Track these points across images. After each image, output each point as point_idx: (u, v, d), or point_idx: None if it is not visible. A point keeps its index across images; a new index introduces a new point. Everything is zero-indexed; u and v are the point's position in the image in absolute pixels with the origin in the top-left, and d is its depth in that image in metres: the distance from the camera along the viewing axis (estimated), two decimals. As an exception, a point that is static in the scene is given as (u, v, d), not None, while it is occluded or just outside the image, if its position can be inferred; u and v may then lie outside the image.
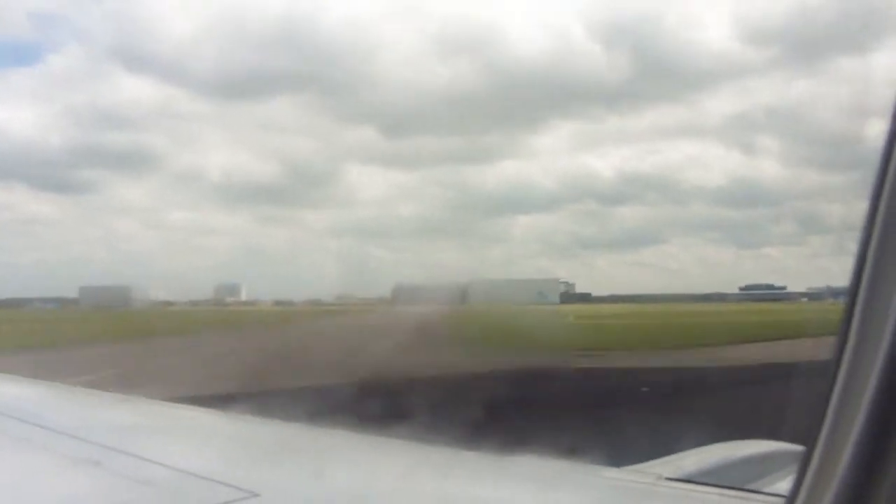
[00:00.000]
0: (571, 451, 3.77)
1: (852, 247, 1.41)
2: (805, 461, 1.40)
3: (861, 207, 1.43)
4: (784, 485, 3.72)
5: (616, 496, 3.06)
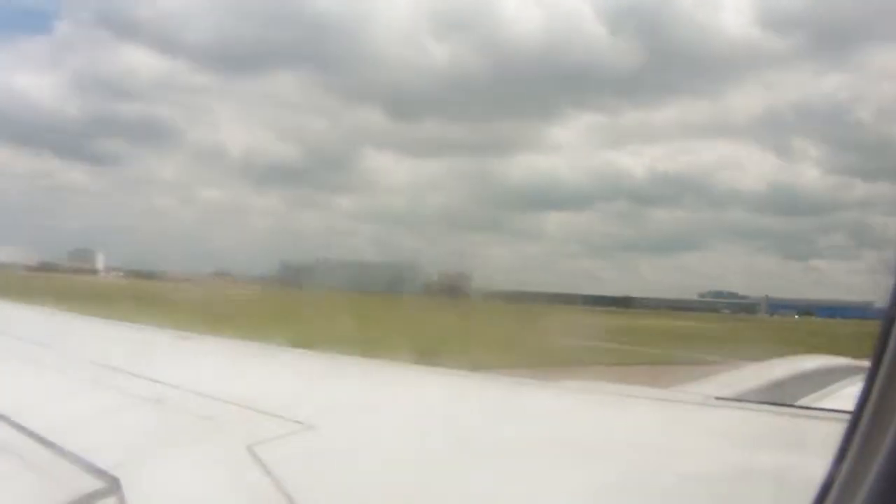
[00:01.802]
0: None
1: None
2: (872, 374, 1.33)
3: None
4: (839, 400, 3.70)
5: (667, 416, 3.06)
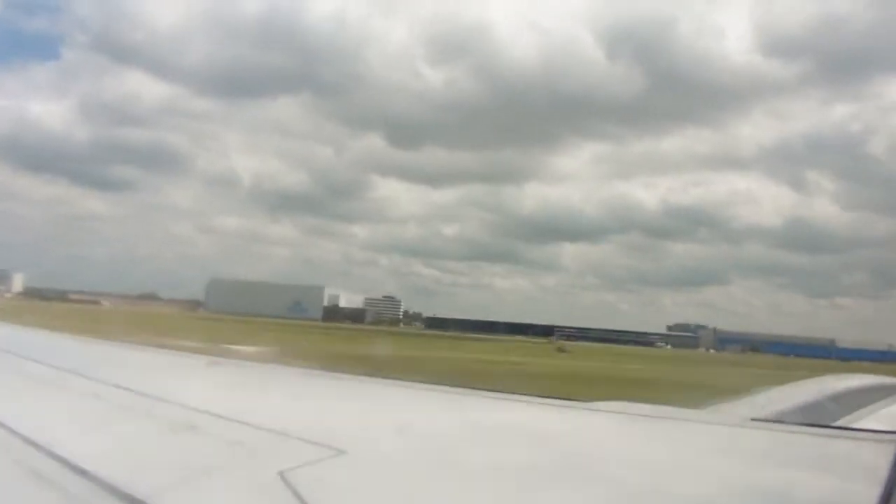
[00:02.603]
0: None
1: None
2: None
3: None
4: (878, 420, 3.61)
5: (701, 439, 3.00)
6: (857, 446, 2.57)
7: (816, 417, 3.23)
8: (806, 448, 2.67)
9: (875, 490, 1.89)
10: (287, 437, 2.90)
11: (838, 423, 3.16)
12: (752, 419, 3.16)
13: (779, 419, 3.14)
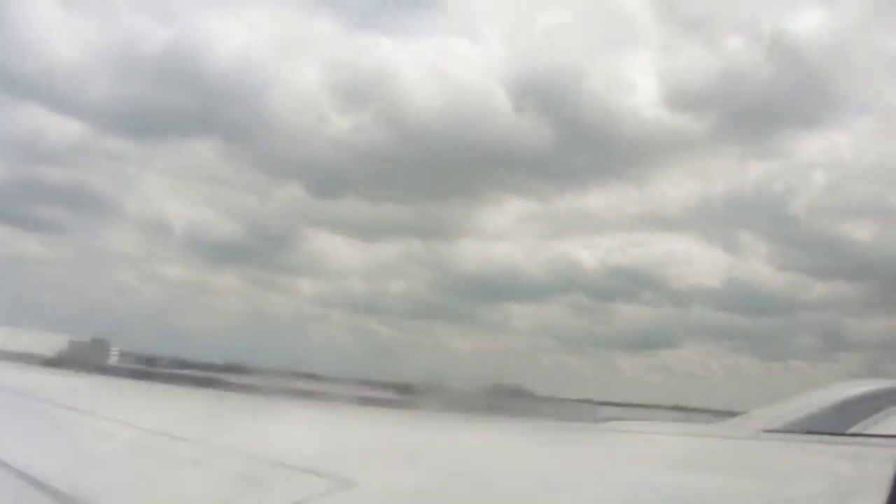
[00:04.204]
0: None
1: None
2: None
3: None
4: (889, 425, 3.56)
5: (715, 451, 2.97)
6: (868, 452, 2.54)
7: (827, 426, 3.21)
8: (818, 456, 2.65)
9: (885, 494, 1.87)
10: (294, 469, 2.87)
11: (849, 431, 3.13)
12: (765, 430, 3.13)
13: (790, 429, 3.12)
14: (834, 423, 3.30)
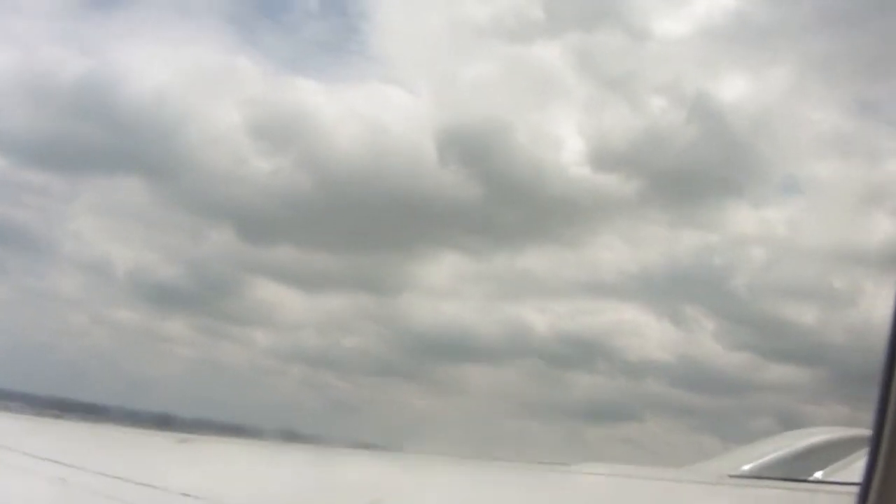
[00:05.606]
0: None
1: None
2: (875, 446, 1.36)
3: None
4: (853, 472, 3.62)
5: (681, 496, 3.00)
6: (831, 499, 2.59)
7: (792, 471, 3.26)
8: (783, 502, 2.69)
9: None
10: None
11: (813, 477, 3.19)
12: (730, 476, 3.17)
13: (755, 475, 3.16)
14: (799, 469, 3.35)
